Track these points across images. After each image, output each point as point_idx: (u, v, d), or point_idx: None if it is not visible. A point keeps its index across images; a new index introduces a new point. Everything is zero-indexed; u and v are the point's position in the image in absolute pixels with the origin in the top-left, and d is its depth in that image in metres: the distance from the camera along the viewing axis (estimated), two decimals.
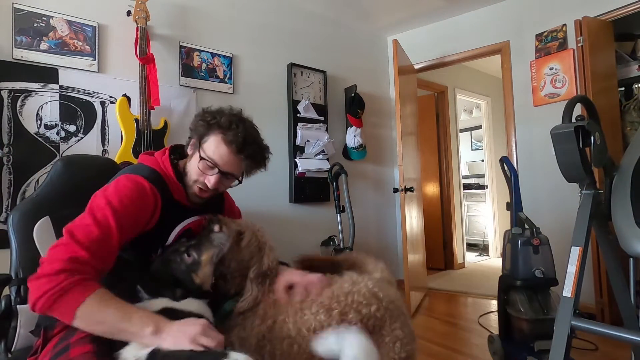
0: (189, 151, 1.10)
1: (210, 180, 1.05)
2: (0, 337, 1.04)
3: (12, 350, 1.02)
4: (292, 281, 1.02)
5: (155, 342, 0.76)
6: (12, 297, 1.09)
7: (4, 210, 1.79)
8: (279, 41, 2.88)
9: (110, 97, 2.10)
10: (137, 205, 0.94)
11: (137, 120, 2.02)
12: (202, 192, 1.07)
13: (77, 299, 0.76)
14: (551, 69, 2.76)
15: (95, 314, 0.77)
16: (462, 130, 5.52)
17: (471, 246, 5.07)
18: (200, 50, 2.46)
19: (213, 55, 2.52)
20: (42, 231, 1.14)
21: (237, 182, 1.13)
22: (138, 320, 0.78)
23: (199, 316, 0.86)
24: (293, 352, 0.93)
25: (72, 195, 1.23)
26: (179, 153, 1.16)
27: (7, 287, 1.09)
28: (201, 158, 1.03)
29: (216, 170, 1.04)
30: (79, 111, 2.01)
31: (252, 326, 0.97)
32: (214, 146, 1.04)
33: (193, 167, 1.06)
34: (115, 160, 1.88)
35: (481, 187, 5.17)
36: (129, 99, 2.06)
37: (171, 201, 1.04)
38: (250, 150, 1.08)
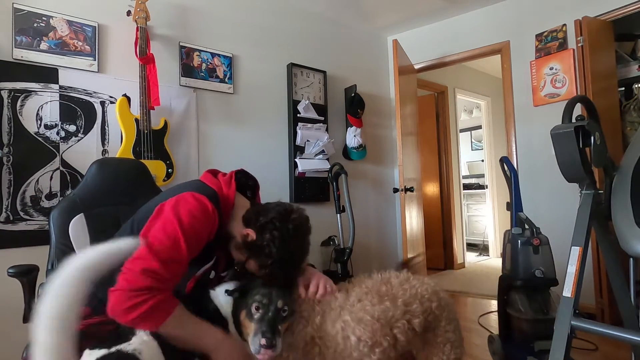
0: (239, 237, 1.05)
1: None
2: None
3: None
4: (309, 281, 1.08)
5: (212, 356, 0.90)
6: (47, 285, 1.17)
7: (3, 210, 1.79)
8: (279, 41, 2.88)
9: (110, 97, 2.10)
10: (202, 224, 0.96)
11: (137, 120, 2.02)
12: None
13: (160, 319, 0.85)
14: (551, 69, 2.76)
15: (175, 329, 0.87)
16: (462, 130, 5.52)
17: (471, 246, 5.07)
18: (200, 50, 2.46)
19: (213, 55, 2.52)
20: (77, 227, 1.27)
21: None
22: (207, 339, 0.91)
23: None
24: (349, 344, 0.93)
25: (104, 194, 1.35)
26: (242, 184, 1.18)
27: (46, 276, 1.22)
28: (240, 262, 1.06)
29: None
30: (79, 111, 2.01)
31: (298, 330, 0.97)
32: (257, 270, 1.03)
33: (235, 255, 1.07)
34: None
35: (481, 187, 5.17)
36: (129, 99, 2.06)
37: (220, 228, 1.05)
38: (289, 280, 1.05)
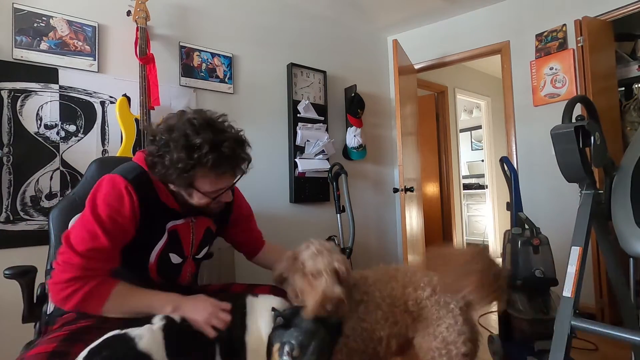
0: (175, 189, 1.00)
1: (225, 197, 1.06)
2: (35, 320, 1.18)
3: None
4: None
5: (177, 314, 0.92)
6: (46, 286, 1.21)
7: (3, 210, 1.79)
8: (279, 41, 2.88)
9: (110, 97, 2.10)
10: (114, 206, 0.94)
11: (137, 120, 2.02)
12: (220, 204, 1.07)
13: (101, 299, 0.89)
14: (551, 69, 2.76)
15: (119, 307, 0.91)
16: (462, 130, 5.52)
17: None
18: (200, 50, 2.46)
19: (213, 55, 2.52)
20: None
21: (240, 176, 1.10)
22: (158, 304, 0.93)
23: None
24: (377, 316, 1.05)
25: None
26: None
27: (45, 276, 1.25)
28: (207, 196, 1.00)
29: (224, 191, 1.04)
30: (79, 111, 2.01)
31: (355, 291, 1.09)
32: (210, 184, 0.98)
33: (199, 201, 1.01)
34: None
35: (481, 187, 5.17)
36: (129, 99, 2.06)
37: (155, 200, 1.00)
38: (239, 162, 1.01)
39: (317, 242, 1.06)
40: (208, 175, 0.96)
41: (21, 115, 1.85)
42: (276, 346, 0.92)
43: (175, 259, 1.07)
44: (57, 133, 1.94)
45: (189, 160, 0.91)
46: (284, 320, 0.94)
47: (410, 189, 2.89)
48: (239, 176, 1.06)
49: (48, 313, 1.12)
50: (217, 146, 0.92)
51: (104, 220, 0.92)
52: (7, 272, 1.16)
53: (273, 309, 0.97)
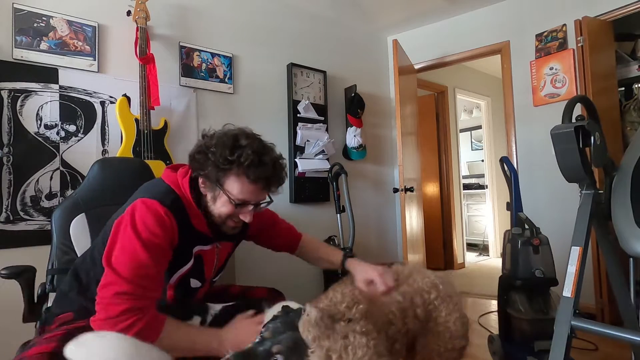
0: (203, 190, 1.02)
1: (246, 216, 1.02)
2: (35, 319, 1.18)
3: None
4: (370, 277, 1.12)
5: (222, 352, 0.84)
6: (47, 285, 1.24)
7: (3, 210, 1.79)
8: (279, 41, 2.88)
9: (110, 97, 2.10)
10: (159, 233, 0.92)
11: (137, 120, 2.02)
12: (237, 224, 1.05)
13: (155, 335, 0.84)
14: (551, 69, 2.76)
15: (168, 345, 0.85)
16: (462, 130, 5.52)
17: (471, 246, 5.07)
18: (200, 50, 2.46)
19: (213, 55, 2.52)
20: (78, 227, 1.29)
21: (267, 202, 1.08)
22: (201, 341, 0.90)
23: None
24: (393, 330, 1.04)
25: (106, 194, 1.36)
26: None
27: (46, 276, 1.25)
28: (231, 201, 0.98)
29: (250, 207, 1.01)
30: (79, 111, 2.01)
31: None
32: (239, 187, 0.96)
33: (220, 207, 1.00)
34: None
35: (481, 187, 5.18)
36: (129, 99, 2.06)
37: (188, 226, 1.00)
38: (274, 177, 1.01)
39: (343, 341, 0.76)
40: (241, 176, 0.96)
41: (21, 115, 1.85)
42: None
43: (194, 283, 1.07)
44: (57, 133, 1.94)
45: (229, 157, 0.93)
46: (289, 318, 0.83)
47: (410, 189, 2.89)
48: (267, 199, 1.05)
49: (46, 308, 1.12)
50: (260, 154, 0.96)
51: (150, 246, 0.89)
52: (3, 271, 1.16)
53: (284, 307, 0.89)
